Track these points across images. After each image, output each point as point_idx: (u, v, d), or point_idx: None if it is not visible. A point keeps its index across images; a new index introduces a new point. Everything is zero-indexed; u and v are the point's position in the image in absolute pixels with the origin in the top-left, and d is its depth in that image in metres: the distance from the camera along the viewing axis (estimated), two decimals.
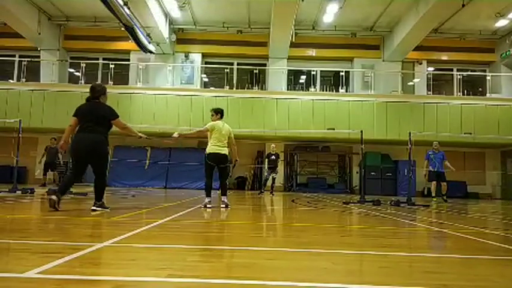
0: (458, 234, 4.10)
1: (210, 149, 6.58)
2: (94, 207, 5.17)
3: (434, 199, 11.74)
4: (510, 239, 3.97)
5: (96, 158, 5.12)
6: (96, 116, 5.09)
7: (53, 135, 18.28)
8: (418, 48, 17.49)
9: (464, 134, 15.00)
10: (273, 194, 12.83)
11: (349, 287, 1.89)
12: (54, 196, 4.88)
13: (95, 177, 5.25)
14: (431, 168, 11.84)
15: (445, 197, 11.81)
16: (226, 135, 6.66)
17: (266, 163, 13.23)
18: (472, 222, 5.53)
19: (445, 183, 11.79)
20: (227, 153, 6.70)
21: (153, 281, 1.88)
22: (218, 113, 6.80)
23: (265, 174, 13.40)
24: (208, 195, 6.57)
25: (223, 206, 6.53)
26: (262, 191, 13.32)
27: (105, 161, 5.25)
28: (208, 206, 6.32)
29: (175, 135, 6.38)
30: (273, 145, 13.57)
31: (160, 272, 2.03)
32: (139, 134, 5.88)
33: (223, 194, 6.78)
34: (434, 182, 11.91)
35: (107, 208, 5.28)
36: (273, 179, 13.21)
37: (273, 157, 12.95)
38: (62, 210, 5.24)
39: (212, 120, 6.76)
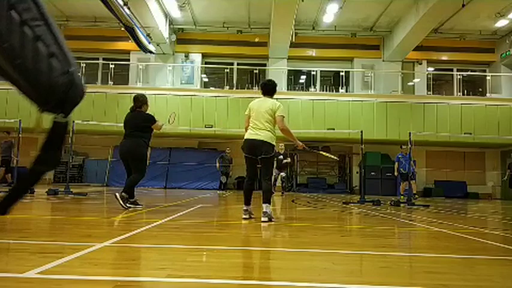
0: (458, 234, 4.10)
1: (245, 135, 4.86)
2: (128, 204, 5.57)
3: (402, 197, 11.88)
4: (510, 239, 3.97)
5: (131, 158, 5.72)
6: (134, 123, 5.80)
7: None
8: (418, 48, 17.50)
9: (464, 134, 15.01)
10: (283, 194, 12.85)
11: (349, 287, 1.89)
12: (123, 203, 5.48)
13: (133, 173, 5.76)
14: (402, 170, 12.15)
15: (416, 196, 12.24)
16: (267, 114, 4.74)
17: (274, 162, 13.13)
18: (471, 222, 5.53)
19: (414, 182, 12.10)
20: (267, 140, 4.70)
21: (153, 281, 1.88)
22: (262, 88, 5.05)
23: (274, 174, 13.36)
24: (245, 202, 4.86)
25: (265, 219, 4.58)
26: (286, 190, 13.28)
27: (140, 161, 5.74)
28: (244, 216, 4.77)
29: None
30: (281, 145, 13.11)
31: (160, 272, 2.03)
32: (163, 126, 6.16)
33: (264, 201, 4.71)
34: (406, 182, 12.10)
35: (125, 207, 5.53)
36: (282, 178, 13.19)
37: (281, 157, 12.78)
38: (62, 211, 5.25)
39: None
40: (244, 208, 4.84)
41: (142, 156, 5.74)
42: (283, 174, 13.11)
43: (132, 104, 5.95)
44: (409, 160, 12.02)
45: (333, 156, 6.65)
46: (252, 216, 4.90)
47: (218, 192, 13.72)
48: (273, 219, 4.69)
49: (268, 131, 4.74)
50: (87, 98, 17.49)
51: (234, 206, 7.38)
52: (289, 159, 13.29)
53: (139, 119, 5.82)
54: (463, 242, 3.56)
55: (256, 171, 4.96)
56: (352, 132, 14.25)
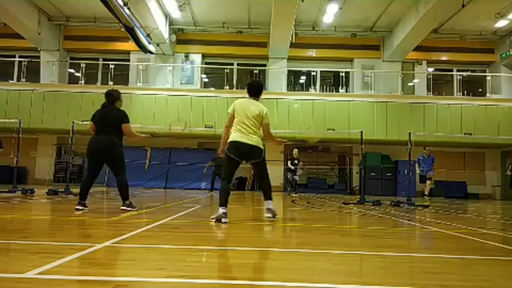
0: (457, 234, 4.10)
1: (231, 136, 4.71)
2: (123, 207, 5.38)
3: (426, 198, 12.33)
4: (509, 239, 3.97)
5: (108, 158, 5.37)
6: (109, 119, 5.40)
7: (54, 135, 18.12)
8: (418, 49, 17.49)
9: (464, 134, 15.01)
10: (289, 193, 13.92)
11: (348, 287, 1.89)
12: (80, 206, 5.29)
13: (116, 178, 5.48)
14: (421, 172, 12.49)
15: (426, 198, 12.46)
16: (254, 119, 4.67)
17: (289, 165, 14.37)
18: (471, 222, 5.53)
19: (429, 182, 12.49)
20: (258, 145, 4.68)
21: (153, 281, 1.88)
22: (247, 88, 4.93)
23: (288, 177, 14.58)
24: (223, 203, 4.49)
25: (269, 215, 4.77)
26: (294, 192, 14.10)
27: (121, 161, 5.45)
28: (223, 220, 4.37)
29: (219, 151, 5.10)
30: (295, 150, 14.34)
31: (160, 272, 2.04)
32: (142, 136, 5.88)
33: (268, 198, 4.84)
34: (424, 184, 12.71)
35: (134, 208, 5.45)
36: (294, 179, 14.23)
37: (295, 161, 14.07)
38: (62, 211, 5.25)
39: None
40: (224, 211, 4.41)
41: (122, 155, 5.45)
42: (296, 177, 14.12)
43: (106, 100, 5.56)
44: (431, 163, 12.44)
45: (313, 136, 6.53)
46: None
47: (209, 193, 12.71)
48: (276, 216, 4.80)
49: (258, 135, 4.73)
50: (87, 98, 17.42)
51: (234, 206, 7.37)
52: (301, 163, 14.34)
53: (114, 116, 5.43)
54: (462, 242, 3.57)
55: (234, 173, 4.86)
56: (352, 133, 14.25)
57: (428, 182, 12.43)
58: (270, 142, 5.18)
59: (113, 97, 5.57)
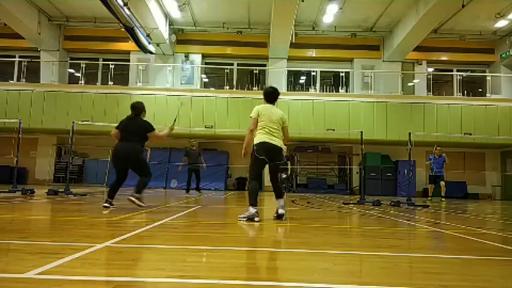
0: (457, 234, 4.10)
1: (259, 138, 4.90)
2: (131, 198, 5.68)
3: (429, 199, 12.54)
4: (509, 239, 3.97)
5: (132, 163, 5.87)
6: (137, 130, 5.93)
7: (54, 136, 18.10)
8: (418, 49, 17.49)
9: (464, 134, 15.01)
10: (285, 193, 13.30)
11: (348, 287, 1.89)
12: (107, 204, 5.71)
13: (140, 178, 5.96)
14: (430, 172, 12.65)
15: (443, 198, 12.65)
16: (277, 123, 4.98)
17: None
18: (470, 223, 5.53)
19: (443, 183, 12.59)
20: (282, 147, 5.01)
21: (152, 281, 1.88)
22: (267, 95, 5.15)
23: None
24: (254, 203, 4.72)
25: (283, 211, 4.92)
26: (287, 191, 13.96)
27: (143, 165, 6.00)
28: (256, 219, 4.61)
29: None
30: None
31: (160, 273, 2.04)
32: (167, 131, 6.31)
33: (280, 197, 5.01)
34: (432, 185, 12.94)
35: (144, 205, 5.74)
36: (281, 179, 13.56)
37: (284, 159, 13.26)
38: (62, 211, 5.25)
39: None
40: (256, 210, 4.66)
41: (143, 160, 6.04)
42: (283, 175, 13.41)
43: (131, 112, 6.05)
44: (441, 163, 12.71)
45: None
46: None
47: (186, 194, 11.52)
48: (284, 217, 4.95)
49: (281, 138, 5.04)
50: (87, 98, 17.41)
51: (234, 206, 7.37)
52: (289, 163, 13.76)
53: (141, 126, 5.97)
54: (462, 243, 3.57)
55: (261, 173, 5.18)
56: (352, 133, 14.25)
57: (442, 183, 12.56)
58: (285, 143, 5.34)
59: (138, 109, 6.07)
